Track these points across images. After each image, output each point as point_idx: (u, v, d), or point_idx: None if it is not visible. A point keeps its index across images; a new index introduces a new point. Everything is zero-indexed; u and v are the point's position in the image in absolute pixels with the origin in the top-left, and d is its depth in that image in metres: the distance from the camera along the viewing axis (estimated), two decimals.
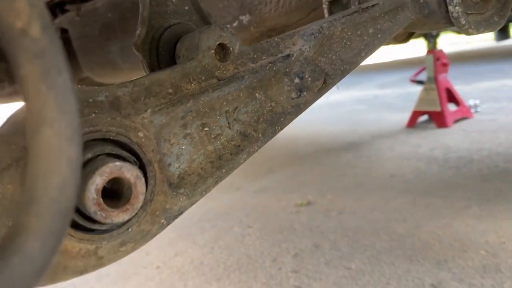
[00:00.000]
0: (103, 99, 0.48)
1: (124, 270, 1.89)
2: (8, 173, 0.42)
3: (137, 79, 0.52)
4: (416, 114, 3.70)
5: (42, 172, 0.25)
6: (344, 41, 0.69)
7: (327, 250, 1.84)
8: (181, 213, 0.52)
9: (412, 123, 3.70)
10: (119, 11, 1.36)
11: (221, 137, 0.57)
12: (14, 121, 0.44)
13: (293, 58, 0.63)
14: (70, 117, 0.26)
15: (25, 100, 0.26)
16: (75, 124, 0.26)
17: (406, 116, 3.85)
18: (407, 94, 5.30)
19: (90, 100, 0.47)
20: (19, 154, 0.43)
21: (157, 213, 0.50)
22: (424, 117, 3.73)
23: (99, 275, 1.87)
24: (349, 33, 0.69)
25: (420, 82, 3.87)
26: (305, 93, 0.63)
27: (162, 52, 0.61)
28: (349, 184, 2.58)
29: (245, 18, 1.05)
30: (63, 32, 1.88)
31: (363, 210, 2.18)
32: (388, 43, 1.07)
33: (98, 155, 0.45)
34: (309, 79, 0.63)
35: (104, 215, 0.43)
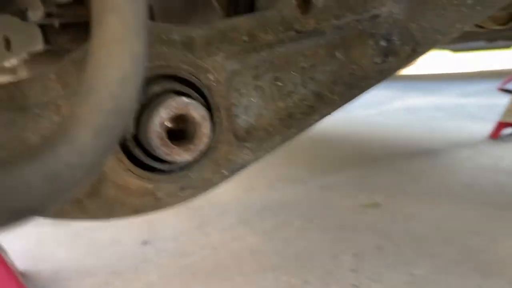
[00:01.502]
0: (176, 37, 0.46)
1: (183, 247, 1.91)
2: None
3: (212, 23, 0.49)
4: (501, 125, 3.44)
5: (103, 62, 0.23)
6: (439, 8, 0.63)
7: (390, 253, 1.74)
8: (244, 166, 0.49)
9: (496, 134, 3.44)
10: None
11: (294, 95, 0.53)
12: (87, 48, 0.43)
13: (380, 18, 0.57)
14: (137, 6, 0.24)
15: None
16: (142, 15, 0.24)
17: (489, 127, 3.58)
18: (492, 105, 4.95)
19: (164, 37, 0.45)
20: None
21: (220, 162, 0.48)
22: (510, 129, 3.45)
23: (157, 250, 1.91)
24: (445, 1, 0.63)
25: (509, 91, 3.60)
26: (390, 58, 0.58)
27: (240, 2, 0.59)
28: (421, 191, 2.44)
29: None
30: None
31: (434, 218, 2.05)
32: (486, 25, 0.98)
33: (166, 91, 0.43)
34: (397, 42, 0.57)
35: (166, 151, 0.41)
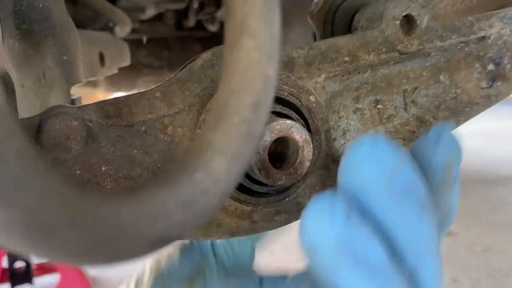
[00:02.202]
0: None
1: None
2: (180, 116, 0.41)
3: (313, 42, 0.48)
4: None
5: (237, 87, 0.22)
6: None
7: (466, 286, 1.63)
8: None
9: None
10: (283, 3, 1.36)
11: (395, 119, 0.50)
12: (191, 67, 0.43)
13: (489, 40, 0.54)
14: (273, 30, 0.23)
15: (229, 6, 0.23)
16: (277, 39, 0.23)
17: None
18: None
19: None
20: (192, 100, 0.42)
21: (317, 188, 0.46)
22: None
23: None
24: None
25: None
26: (499, 83, 0.54)
27: (337, 23, 0.57)
28: (500, 221, 2.28)
29: None
30: (222, 27, 1.98)
31: None
32: None
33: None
34: (508, 66, 0.53)
35: (267, 174, 0.39)
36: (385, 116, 0.50)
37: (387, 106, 0.50)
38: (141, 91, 0.41)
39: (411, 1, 0.51)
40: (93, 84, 1.99)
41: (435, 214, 0.31)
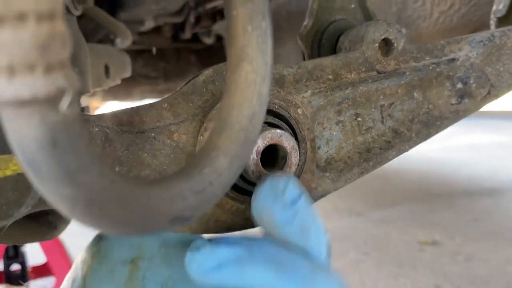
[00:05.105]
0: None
1: None
2: (184, 125, 0.47)
3: (301, 62, 0.54)
4: None
5: (237, 102, 0.28)
6: None
7: None
8: (323, 195, 0.53)
9: None
10: (274, 20, 1.43)
11: (373, 130, 0.57)
12: (194, 82, 0.49)
13: (458, 62, 0.61)
14: (267, 57, 0.29)
15: (231, 38, 0.29)
16: (269, 65, 0.29)
17: None
18: None
19: None
20: (195, 110, 0.48)
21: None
22: None
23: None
24: None
25: None
26: (466, 100, 0.60)
27: (324, 44, 0.64)
28: (483, 231, 2.35)
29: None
30: (219, 39, 2.04)
31: (496, 260, 1.97)
32: None
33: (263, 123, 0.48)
34: (474, 85, 0.60)
35: (259, 175, 0.45)
36: (364, 128, 0.56)
37: (366, 119, 0.56)
38: (150, 102, 0.48)
39: (389, 26, 0.58)
40: (91, 93, 2.04)
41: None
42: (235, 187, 0.48)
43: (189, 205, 0.25)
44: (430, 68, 0.59)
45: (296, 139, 0.51)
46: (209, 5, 1.71)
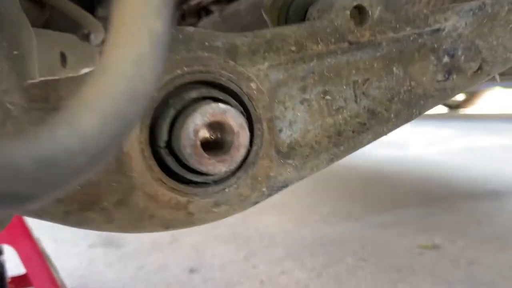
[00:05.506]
0: (219, 44, 0.44)
1: (230, 278, 1.86)
2: None
3: (258, 31, 0.47)
4: None
5: (118, 41, 0.21)
6: (511, 25, 0.57)
7: None
8: (286, 185, 0.45)
9: None
10: (259, 13, 1.36)
11: (344, 111, 0.49)
12: None
13: (443, 32, 0.53)
14: None
15: None
16: None
17: None
18: None
19: (206, 43, 0.43)
20: None
21: (259, 178, 0.44)
22: None
23: (204, 279, 1.87)
24: None
25: None
26: (454, 76, 0.52)
27: (291, 17, 0.56)
28: (485, 234, 2.26)
29: None
30: None
31: (500, 264, 1.88)
32: None
33: (204, 97, 0.40)
34: (462, 57, 0.52)
35: (199, 160, 0.37)
36: (334, 107, 0.48)
37: (336, 98, 0.48)
38: (71, 75, 0.40)
39: None
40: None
41: None
42: (173, 175, 0.40)
43: (28, 179, 0.17)
44: (411, 39, 0.51)
45: (249, 118, 0.43)
46: (193, 1, 1.64)
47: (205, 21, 1.68)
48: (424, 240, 2.22)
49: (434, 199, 3.00)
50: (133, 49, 0.21)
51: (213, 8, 1.53)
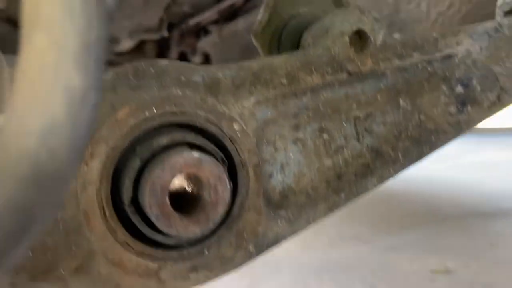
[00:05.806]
0: (198, 79, 0.38)
1: None
2: None
3: (245, 62, 0.41)
4: None
5: (20, 104, 0.15)
6: None
7: None
8: (276, 242, 0.39)
9: None
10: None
11: (345, 151, 0.42)
12: None
13: (456, 59, 0.46)
14: (81, 24, 0.15)
15: None
16: (89, 36, 0.15)
17: None
18: None
19: (183, 78, 0.37)
20: None
21: (245, 235, 0.37)
22: None
23: None
24: None
25: None
26: (469, 108, 0.46)
27: (284, 44, 0.50)
28: (501, 257, 2.16)
29: (396, 36, 0.91)
30: (206, 59, 1.93)
31: None
32: None
33: (177, 144, 0.34)
34: (478, 87, 0.45)
35: (167, 222, 0.31)
36: (332, 147, 0.42)
37: (335, 136, 0.42)
38: None
39: (363, 14, 0.44)
40: None
41: None
42: (141, 236, 0.34)
43: None
44: (420, 67, 0.45)
45: (232, 164, 0.36)
46: (192, 21, 1.60)
47: (204, 41, 1.64)
48: (436, 263, 2.13)
49: (445, 219, 2.90)
50: (39, 114, 0.15)
51: (212, 28, 1.49)
